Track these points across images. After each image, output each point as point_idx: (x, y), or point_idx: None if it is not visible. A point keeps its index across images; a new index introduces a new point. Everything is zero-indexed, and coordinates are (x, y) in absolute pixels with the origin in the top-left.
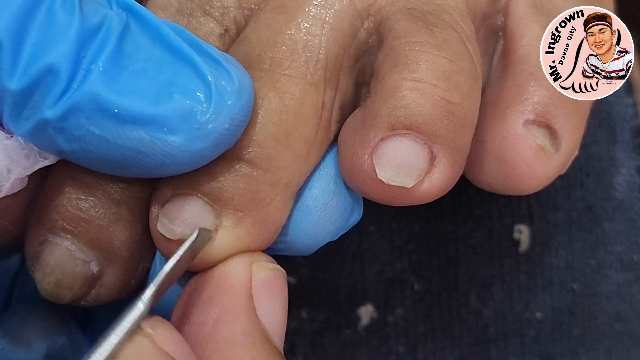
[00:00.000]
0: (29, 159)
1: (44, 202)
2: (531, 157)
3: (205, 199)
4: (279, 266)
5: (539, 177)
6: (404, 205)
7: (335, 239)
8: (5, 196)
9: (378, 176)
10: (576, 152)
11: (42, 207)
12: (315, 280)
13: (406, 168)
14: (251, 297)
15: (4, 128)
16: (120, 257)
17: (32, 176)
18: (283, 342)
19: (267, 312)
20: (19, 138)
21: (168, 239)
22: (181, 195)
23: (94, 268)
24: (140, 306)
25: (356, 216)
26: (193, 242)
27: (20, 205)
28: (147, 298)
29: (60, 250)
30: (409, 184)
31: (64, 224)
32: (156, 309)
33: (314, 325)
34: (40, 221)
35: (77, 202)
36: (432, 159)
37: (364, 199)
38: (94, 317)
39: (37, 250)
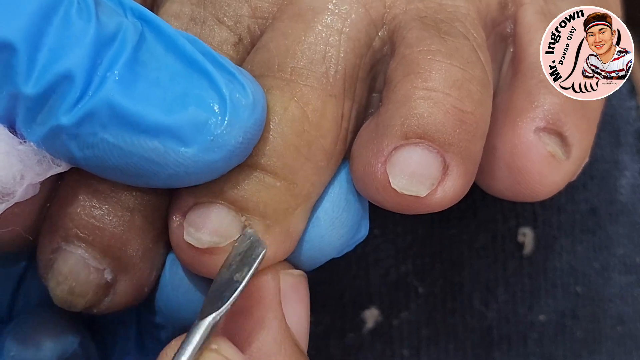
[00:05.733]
0: (42, 165)
1: (57, 209)
2: (542, 164)
3: (230, 206)
4: (301, 271)
5: (550, 183)
6: (417, 213)
7: (339, 256)
8: (18, 202)
9: (392, 185)
10: (586, 159)
11: (55, 214)
12: (320, 284)
13: (419, 177)
14: (280, 306)
15: (18, 133)
16: (133, 264)
17: (44, 183)
18: (307, 344)
19: (294, 317)
20: (32, 144)
21: (195, 248)
22: (204, 203)
23: (108, 276)
24: (208, 325)
25: (362, 233)
26: (251, 254)
27: (32, 212)
28: (217, 319)
29: (74, 258)
30: (423, 193)
31: (78, 231)
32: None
33: (319, 329)
34: (53, 229)
35: (91, 210)
36: (445, 168)
37: (370, 203)
38: (100, 323)
39: (50, 257)
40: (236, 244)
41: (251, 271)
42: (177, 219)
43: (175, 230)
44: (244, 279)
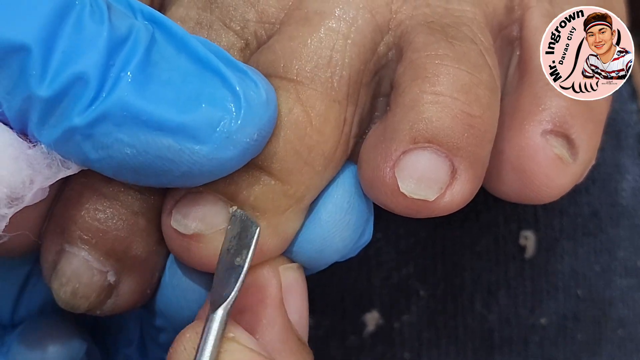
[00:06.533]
0: (52, 168)
1: (62, 212)
2: (549, 166)
3: (220, 197)
4: (298, 263)
5: (557, 186)
6: (425, 217)
7: (341, 260)
8: (27, 206)
9: (400, 189)
10: (593, 161)
11: (60, 217)
12: (321, 286)
13: (428, 181)
14: (282, 304)
15: (27, 138)
16: (136, 267)
17: (51, 186)
18: (307, 335)
19: (295, 311)
20: (42, 147)
21: (182, 235)
22: (195, 192)
23: (111, 278)
24: (223, 315)
25: (365, 238)
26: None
27: (40, 215)
28: (229, 307)
29: (78, 260)
30: (431, 197)
31: (82, 234)
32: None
33: (320, 331)
34: (57, 231)
35: (95, 213)
36: (453, 172)
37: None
38: (102, 328)
39: (54, 259)
40: (229, 227)
41: (250, 253)
42: (168, 208)
43: (165, 218)
44: (244, 262)
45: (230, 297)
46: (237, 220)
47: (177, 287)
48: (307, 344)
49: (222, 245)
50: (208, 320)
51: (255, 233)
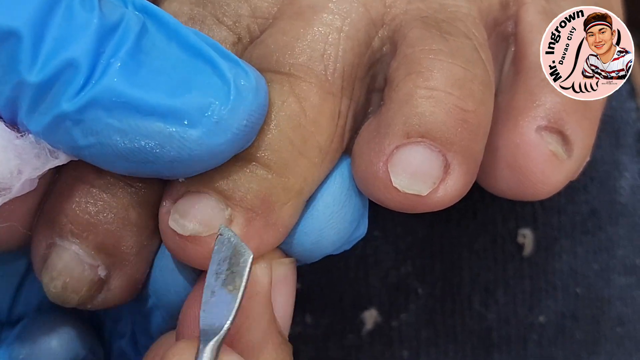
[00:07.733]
0: (40, 158)
1: (53, 205)
2: (544, 163)
3: (218, 197)
4: (292, 258)
5: (552, 182)
6: (418, 212)
7: (336, 253)
8: (16, 197)
9: (393, 184)
10: (588, 158)
11: (51, 210)
12: (320, 285)
13: (421, 176)
14: (270, 301)
15: (15, 128)
16: (127, 261)
17: (42, 178)
18: (289, 328)
19: (281, 307)
20: (31, 137)
21: (179, 235)
22: (194, 192)
23: (101, 272)
24: (215, 348)
25: (360, 232)
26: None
27: (31, 208)
28: (221, 339)
29: (68, 254)
30: (424, 192)
31: (73, 227)
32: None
33: (318, 330)
34: (48, 224)
35: (86, 207)
36: (447, 167)
37: (370, 204)
38: (98, 321)
39: (44, 253)
40: (216, 247)
41: (243, 285)
42: (167, 205)
43: (163, 216)
44: (238, 293)
45: (223, 330)
46: (225, 241)
47: (164, 268)
48: (288, 339)
49: (210, 265)
50: (199, 352)
51: (248, 262)
